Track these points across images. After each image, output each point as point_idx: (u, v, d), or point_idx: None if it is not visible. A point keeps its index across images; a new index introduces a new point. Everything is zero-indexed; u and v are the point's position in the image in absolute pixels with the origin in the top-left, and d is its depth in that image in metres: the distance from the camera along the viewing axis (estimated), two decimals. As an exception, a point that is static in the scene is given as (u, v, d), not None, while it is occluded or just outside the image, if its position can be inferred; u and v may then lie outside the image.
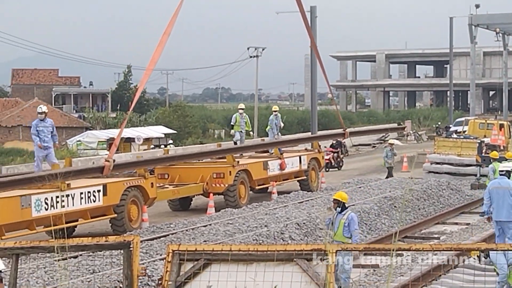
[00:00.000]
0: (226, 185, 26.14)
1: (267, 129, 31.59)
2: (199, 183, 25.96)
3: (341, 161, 41.92)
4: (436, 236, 21.18)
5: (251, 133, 33.79)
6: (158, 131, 61.75)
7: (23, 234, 18.98)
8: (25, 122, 70.81)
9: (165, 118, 71.49)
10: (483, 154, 31.01)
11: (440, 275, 14.91)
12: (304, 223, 20.32)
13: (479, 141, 32.79)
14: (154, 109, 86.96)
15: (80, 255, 16.33)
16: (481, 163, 30.55)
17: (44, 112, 21.61)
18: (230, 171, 26.22)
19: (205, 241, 18.80)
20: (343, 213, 13.94)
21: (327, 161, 36.41)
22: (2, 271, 8.18)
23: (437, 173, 33.16)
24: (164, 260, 8.06)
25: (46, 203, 19.25)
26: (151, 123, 72.21)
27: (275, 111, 31.28)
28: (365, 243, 18.51)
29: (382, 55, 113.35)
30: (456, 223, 23.20)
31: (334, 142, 42.05)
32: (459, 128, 47.17)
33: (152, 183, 22.97)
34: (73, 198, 20.05)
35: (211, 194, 25.75)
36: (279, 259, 7.66)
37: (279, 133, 31.42)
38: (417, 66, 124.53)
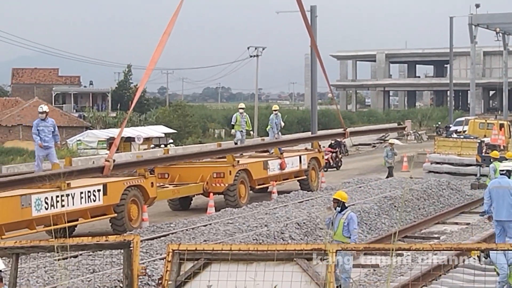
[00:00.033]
0: (226, 185, 26.15)
1: (267, 129, 31.56)
2: (199, 182, 25.97)
3: (339, 161, 41.90)
4: (436, 236, 21.18)
5: (251, 132, 33.74)
6: (158, 130, 61.77)
7: (23, 233, 18.99)
8: (25, 121, 70.82)
9: (165, 117, 71.51)
10: (483, 154, 31.02)
11: (440, 275, 14.92)
12: (304, 223, 20.33)
13: (479, 141, 32.80)
14: (154, 109, 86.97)
15: (80, 254, 16.33)
16: (481, 163, 30.55)
17: (45, 111, 21.59)
18: (230, 171, 26.23)
19: (205, 240, 18.80)
20: (342, 212, 13.96)
21: (325, 161, 36.40)
22: (2, 270, 8.18)
23: (437, 172, 33.17)
24: (164, 259, 8.07)
25: (46, 203, 19.26)
26: (151, 122, 72.24)
27: (275, 110, 31.26)
28: (365, 243, 18.51)
29: (382, 54, 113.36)
30: (456, 223, 23.21)
31: (332, 142, 42.03)
32: (459, 128, 47.17)
33: (152, 183, 22.98)
34: (73, 198, 20.06)
35: (211, 194, 25.76)
36: (279, 259, 7.66)
37: (280, 133, 31.38)
38: (417, 65, 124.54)
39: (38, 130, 21.26)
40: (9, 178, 18.89)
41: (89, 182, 20.75)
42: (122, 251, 7.75)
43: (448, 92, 74.69)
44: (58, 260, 15.18)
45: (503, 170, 16.31)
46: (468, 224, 22.41)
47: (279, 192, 28.25)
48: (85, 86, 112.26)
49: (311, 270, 7.55)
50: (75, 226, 21.79)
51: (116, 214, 21.66)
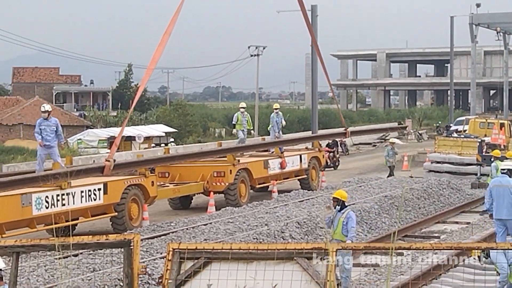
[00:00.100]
0: (227, 184, 26.16)
1: (269, 128, 31.50)
2: (199, 181, 25.98)
3: (337, 161, 41.88)
4: (436, 235, 21.18)
5: (252, 131, 33.73)
6: (159, 129, 61.78)
7: (23, 232, 19.00)
8: (26, 120, 70.84)
9: (165, 116, 71.51)
10: (483, 153, 31.02)
11: (441, 274, 14.92)
12: (304, 222, 20.33)
13: (479, 140, 32.80)
14: (154, 108, 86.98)
15: (81, 253, 16.35)
16: (482, 162, 30.56)
17: (47, 111, 21.52)
18: (230, 170, 26.24)
19: (205, 239, 18.80)
20: (342, 211, 13.96)
21: (323, 160, 36.35)
22: (3, 269, 8.19)
23: (437, 172, 33.17)
24: (165, 258, 8.07)
25: (47, 202, 19.27)
26: (152, 121, 72.23)
27: (276, 109, 31.22)
28: (365, 242, 18.53)
29: (382, 54, 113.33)
30: (457, 222, 23.21)
31: (330, 141, 42.01)
32: (460, 127, 47.15)
33: (152, 182, 22.99)
34: (73, 197, 20.08)
35: (212, 193, 25.77)
36: (279, 258, 7.67)
37: (281, 132, 31.31)
38: (417, 65, 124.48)
39: (40, 129, 21.23)
40: (10, 178, 18.87)
41: (90, 181, 20.76)
42: (122, 250, 7.76)
43: (449, 91, 74.67)
44: (59, 259, 15.19)
45: (504, 169, 16.35)
46: (468, 223, 22.41)
47: (280, 191, 28.26)
48: (85, 85, 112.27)
49: (311, 269, 7.56)
50: (76, 225, 21.80)
51: (116, 213, 21.68)
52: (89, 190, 20.67)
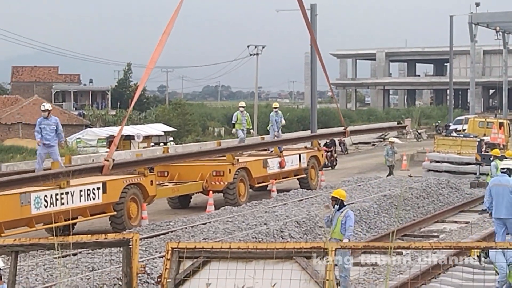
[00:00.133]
0: (226, 183, 26.16)
1: (268, 127, 31.46)
2: (198, 181, 25.98)
3: (334, 160, 41.85)
4: (435, 234, 21.18)
5: (251, 131, 33.68)
6: (158, 129, 61.81)
7: (22, 231, 19.00)
8: (25, 119, 70.85)
9: (164, 116, 71.52)
10: (482, 153, 31.02)
11: (440, 274, 14.92)
12: (303, 221, 20.33)
13: (478, 140, 32.80)
14: (154, 107, 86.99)
15: (80, 252, 16.34)
16: (481, 161, 30.56)
17: (47, 110, 21.46)
18: (229, 169, 26.24)
19: (204, 238, 18.80)
20: (341, 210, 13.95)
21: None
22: (2, 268, 8.18)
23: (436, 171, 33.17)
24: (163, 257, 8.06)
25: (46, 201, 19.27)
26: (151, 121, 72.27)
27: (275, 108, 31.17)
28: (364, 241, 18.52)
29: (382, 53, 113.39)
30: (456, 222, 23.21)
31: (327, 141, 42.01)
32: (459, 127, 47.20)
33: (151, 181, 22.99)
34: (72, 196, 20.07)
35: (211, 192, 25.76)
36: (278, 257, 7.66)
37: (280, 131, 31.23)
38: (417, 64, 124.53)
39: (40, 128, 21.19)
40: (10, 178, 18.83)
41: (89, 180, 20.74)
42: (121, 249, 7.75)
43: (448, 90, 74.68)
44: (58, 258, 15.18)
45: (503, 169, 16.38)
46: (467, 222, 22.42)
47: (279, 191, 28.26)
48: (85, 84, 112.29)
49: (310, 268, 7.55)
50: (75, 224, 21.79)
51: (115, 212, 21.67)
52: (88, 189, 20.66)
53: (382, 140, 58.44)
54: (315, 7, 41.54)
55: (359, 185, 28.56)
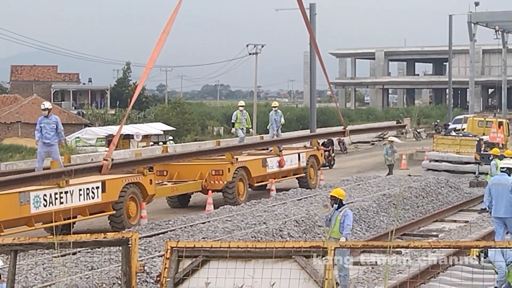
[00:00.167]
0: (225, 182, 26.15)
1: (268, 127, 31.43)
2: (197, 180, 25.97)
3: (332, 160, 41.82)
4: (434, 233, 21.19)
5: (250, 130, 33.66)
6: (157, 128, 61.81)
7: (21, 230, 18.99)
8: (24, 118, 70.84)
9: (164, 115, 71.51)
10: (482, 152, 31.02)
11: (439, 273, 14.93)
12: (302, 220, 20.33)
13: (478, 139, 32.79)
14: (153, 106, 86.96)
15: (79, 251, 16.33)
16: (480, 161, 30.56)
17: (47, 108, 21.41)
18: (229, 168, 26.23)
19: (203, 238, 18.80)
20: (339, 210, 13.91)
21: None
22: (1, 267, 8.18)
23: (435, 170, 33.17)
24: (163, 256, 8.06)
25: (45, 200, 19.26)
26: (150, 120, 72.27)
27: (274, 107, 31.15)
28: (363, 241, 18.53)
29: (381, 52, 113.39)
30: (455, 221, 23.21)
31: (325, 140, 42.01)
32: (458, 126, 47.14)
33: (151, 180, 22.98)
34: (71, 195, 20.05)
35: (210, 191, 25.75)
36: (278, 256, 7.66)
37: (280, 130, 31.16)
38: (416, 63, 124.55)
39: (40, 127, 21.16)
40: (11, 177, 18.82)
41: (88, 179, 20.73)
42: (120, 248, 7.75)
43: (447, 90, 74.67)
44: (57, 257, 15.18)
45: (503, 168, 16.42)
46: (466, 222, 22.42)
47: (278, 190, 28.26)
48: (84, 83, 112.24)
49: (309, 267, 7.55)
50: (74, 223, 21.78)
51: (114, 211, 21.66)
52: (87, 188, 20.65)
53: (381, 139, 58.46)
54: (314, 6, 41.52)
55: (358, 184, 28.56)
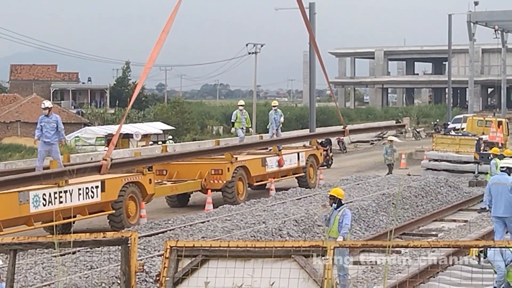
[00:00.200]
0: (224, 182, 26.15)
1: (268, 126, 31.41)
2: (197, 179, 25.97)
3: (330, 159, 41.80)
4: (434, 233, 21.19)
5: (250, 129, 33.64)
6: (157, 127, 61.81)
7: (21, 230, 18.98)
8: (23, 117, 70.83)
9: (163, 114, 71.51)
10: (481, 151, 31.02)
11: (438, 272, 14.93)
12: (302, 220, 20.33)
13: (477, 138, 32.80)
14: (152, 105, 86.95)
15: (78, 251, 16.33)
16: (479, 160, 30.56)
17: (48, 107, 21.34)
18: (228, 168, 26.23)
19: (203, 237, 18.80)
20: (338, 209, 13.87)
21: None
22: (0, 267, 8.17)
23: (435, 170, 33.17)
24: (162, 256, 8.06)
25: (44, 199, 19.25)
26: (150, 119, 72.27)
27: (274, 106, 31.13)
28: (362, 240, 18.53)
29: (380, 52, 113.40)
30: (454, 220, 23.21)
31: (323, 140, 41.98)
32: (458, 125, 47.10)
33: (150, 179, 22.98)
34: (71, 194, 20.04)
35: (209, 191, 25.76)
36: (277, 256, 7.66)
37: (280, 129, 31.05)
38: (415, 63, 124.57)
39: (41, 125, 21.12)
40: (12, 177, 18.78)
41: (87, 178, 20.72)
42: (119, 247, 7.75)
43: (447, 89, 74.68)
44: (56, 256, 15.17)
45: (503, 167, 16.45)
46: (466, 221, 22.42)
47: (277, 189, 28.26)
48: (83, 83, 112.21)
49: (309, 267, 7.55)
50: (73, 222, 21.78)
51: (114, 211, 21.66)
52: (87, 188, 20.64)
53: (380, 138, 58.46)
54: (313, 5, 41.49)
55: (358, 184, 28.56)
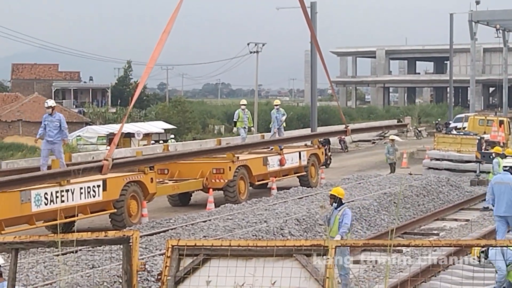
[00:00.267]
0: (226, 181, 26.15)
1: (270, 125, 31.35)
2: (198, 178, 25.98)
3: (328, 159, 41.78)
4: (435, 232, 21.19)
5: (252, 129, 33.59)
6: (158, 126, 61.83)
7: (22, 229, 19.00)
8: (25, 117, 70.85)
9: (164, 113, 71.52)
10: (482, 151, 31.01)
11: (440, 271, 14.93)
12: (303, 219, 20.33)
13: (478, 138, 32.79)
14: (154, 105, 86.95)
15: (80, 250, 16.34)
16: (481, 159, 30.56)
17: (51, 106, 21.32)
18: (229, 167, 26.24)
19: (204, 236, 18.81)
20: (339, 209, 13.84)
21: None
22: (2, 265, 8.18)
23: (436, 169, 33.17)
24: (164, 255, 8.07)
25: (46, 198, 19.26)
26: (151, 118, 72.27)
27: (276, 105, 31.09)
28: (364, 239, 18.52)
29: (382, 51, 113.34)
30: (456, 220, 23.21)
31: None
32: (459, 125, 47.09)
33: (151, 178, 22.99)
34: (73, 193, 20.06)
35: (211, 190, 25.76)
36: (278, 255, 7.66)
37: (282, 127, 30.92)
38: (417, 62, 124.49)
39: (44, 124, 21.12)
40: (16, 176, 18.77)
41: (89, 177, 20.70)
42: (121, 246, 7.74)
43: (448, 88, 74.65)
44: (58, 255, 15.19)
45: (506, 167, 16.49)
46: (467, 220, 22.42)
47: (279, 188, 28.27)
48: (85, 82, 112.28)
49: (310, 266, 7.55)
50: (75, 221, 21.78)
51: (115, 210, 21.67)
52: (88, 187, 20.66)
53: (382, 138, 58.44)
54: (315, 4, 41.50)
55: (359, 183, 28.56)
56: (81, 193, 20.39)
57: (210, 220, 21.28)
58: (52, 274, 15.00)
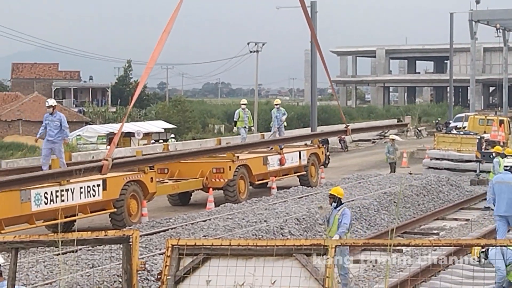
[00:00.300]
0: (226, 180, 26.15)
1: (271, 125, 31.33)
2: (198, 178, 25.98)
3: (327, 158, 41.74)
4: (435, 231, 21.18)
5: (252, 128, 33.58)
6: (158, 125, 61.80)
7: (22, 228, 18.99)
8: (25, 116, 70.83)
9: (165, 113, 71.51)
10: (482, 150, 31.01)
11: (440, 271, 14.92)
12: (303, 218, 20.33)
13: (479, 137, 32.79)
14: (154, 104, 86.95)
15: (80, 249, 16.34)
16: (481, 159, 30.56)
17: (51, 106, 21.29)
18: (229, 166, 26.23)
19: (204, 236, 18.81)
20: (338, 208, 13.81)
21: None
22: (2, 265, 8.17)
23: (436, 168, 33.16)
24: (164, 254, 8.06)
25: (46, 198, 19.26)
26: (151, 118, 72.25)
27: (276, 105, 31.06)
28: (364, 239, 18.52)
29: (382, 50, 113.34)
30: (456, 219, 23.21)
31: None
32: (459, 124, 47.10)
33: (151, 178, 22.98)
34: (72, 193, 20.06)
35: (211, 189, 25.75)
36: (278, 254, 7.66)
37: (282, 127, 30.87)
38: (417, 61, 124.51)
39: (45, 123, 21.09)
40: (18, 176, 18.76)
41: (89, 177, 20.69)
42: (121, 246, 7.74)
43: (448, 88, 74.65)
44: (58, 255, 15.19)
45: (507, 166, 16.51)
46: (467, 220, 22.42)
47: (279, 188, 28.27)
48: (85, 81, 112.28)
49: (310, 265, 7.55)
50: (75, 221, 21.78)
51: (115, 209, 21.66)
52: (88, 186, 20.65)
53: (382, 137, 58.43)
54: (315, 4, 41.50)
55: (359, 182, 28.56)
56: (81, 192, 20.38)
57: (210, 219, 21.27)
58: (52, 273, 15.00)
